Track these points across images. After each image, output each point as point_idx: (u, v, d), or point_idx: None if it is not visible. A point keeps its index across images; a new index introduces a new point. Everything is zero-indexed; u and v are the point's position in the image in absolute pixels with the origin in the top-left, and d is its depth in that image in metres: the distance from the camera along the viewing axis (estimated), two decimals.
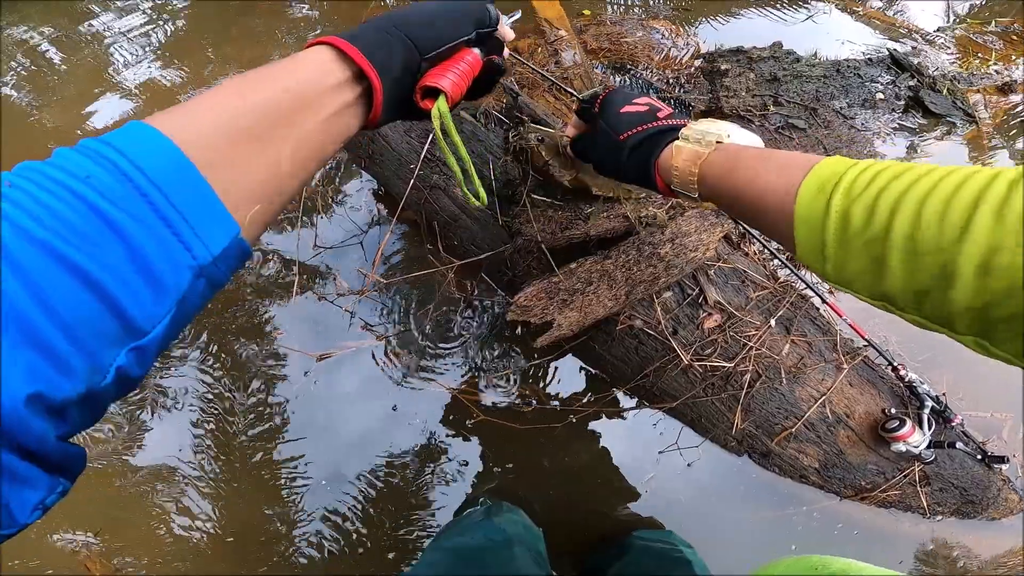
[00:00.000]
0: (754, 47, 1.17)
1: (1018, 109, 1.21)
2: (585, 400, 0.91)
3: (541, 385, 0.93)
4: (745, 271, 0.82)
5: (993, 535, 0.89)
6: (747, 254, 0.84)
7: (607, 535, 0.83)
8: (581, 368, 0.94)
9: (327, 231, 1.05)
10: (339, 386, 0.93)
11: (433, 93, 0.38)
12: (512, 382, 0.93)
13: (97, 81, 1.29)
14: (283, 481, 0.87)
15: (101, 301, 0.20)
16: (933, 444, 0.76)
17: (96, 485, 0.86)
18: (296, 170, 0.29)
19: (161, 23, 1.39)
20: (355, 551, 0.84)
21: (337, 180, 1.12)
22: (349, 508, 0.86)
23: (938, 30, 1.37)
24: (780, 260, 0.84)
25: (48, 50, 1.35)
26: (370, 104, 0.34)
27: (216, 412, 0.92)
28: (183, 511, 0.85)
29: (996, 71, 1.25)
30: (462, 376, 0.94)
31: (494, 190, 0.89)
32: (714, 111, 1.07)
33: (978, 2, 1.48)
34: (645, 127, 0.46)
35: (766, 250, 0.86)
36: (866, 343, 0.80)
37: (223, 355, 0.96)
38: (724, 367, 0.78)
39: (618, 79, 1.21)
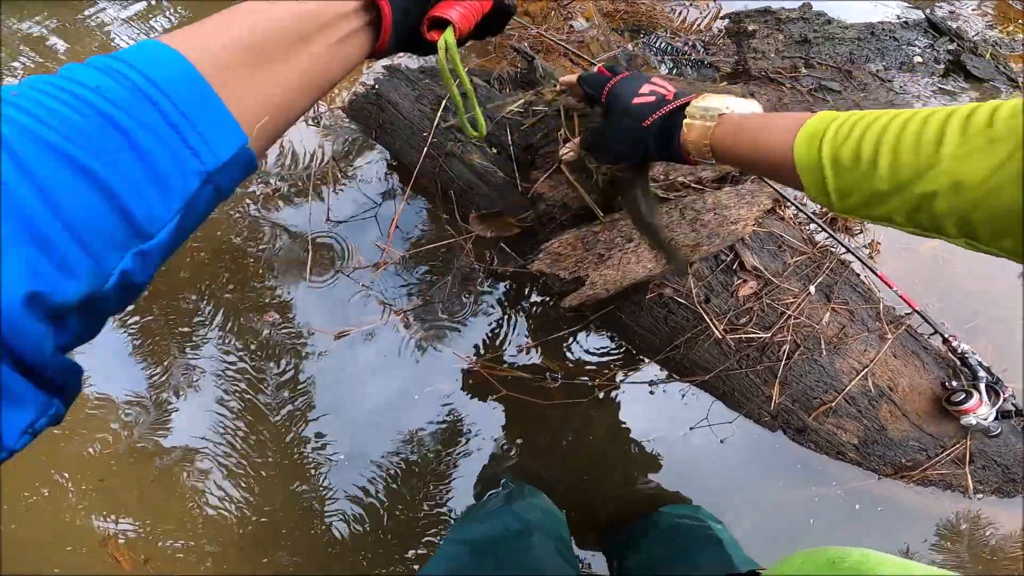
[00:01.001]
0: (782, 8, 1.11)
1: None
2: (611, 375, 0.87)
3: (565, 359, 0.89)
4: (782, 235, 0.77)
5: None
6: (783, 218, 0.80)
7: (634, 511, 0.79)
8: (608, 339, 0.90)
9: (342, 205, 1.01)
10: (360, 363, 0.90)
11: (441, 25, 0.38)
12: (537, 354, 0.89)
13: None
14: (309, 459, 0.85)
15: (107, 201, 0.20)
16: (1000, 415, 0.72)
17: (132, 469, 0.85)
18: (304, 89, 0.30)
19: (162, 9, 1.37)
20: (382, 528, 0.82)
21: (351, 155, 1.09)
22: (374, 485, 0.84)
23: None
24: (818, 224, 0.79)
25: (55, 43, 1.33)
26: (378, 32, 0.35)
27: (239, 392, 0.90)
28: (213, 493, 0.84)
29: None
30: (484, 350, 0.90)
31: (512, 156, 0.85)
32: (741, 73, 1.02)
33: None
34: (662, 112, 0.50)
35: (801, 214, 0.81)
36: (913, 312, 0.75)
37: (244, 335, 0.93)
38: (760, 337, 0.73)
39: (635, 44, 1.16)
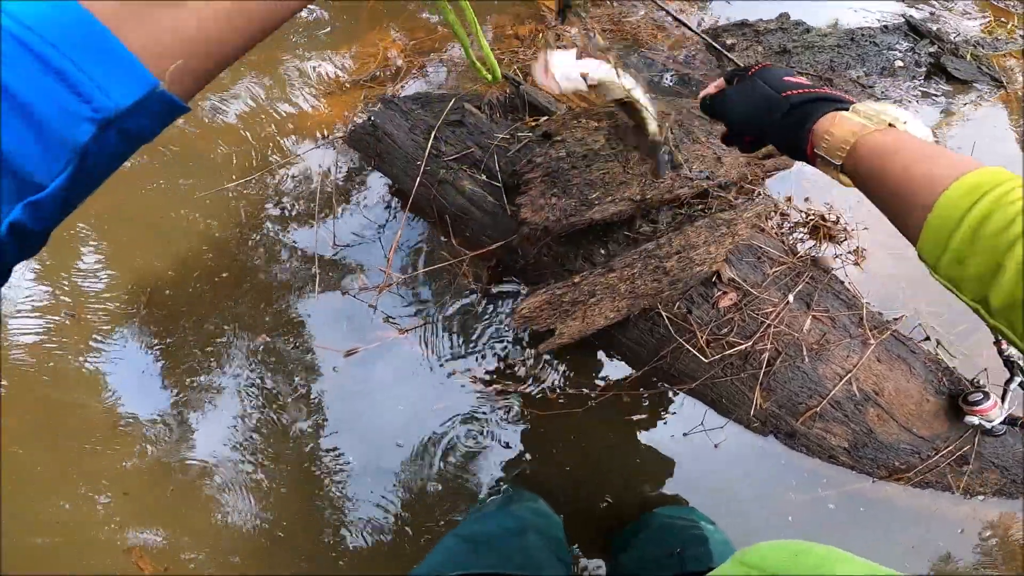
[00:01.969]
0: (760, 20, 1.14)
1: None
2: (603, 385, 0.91)
3: (563, 371, 0.93)
4: (761, 247, 0.80)
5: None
6: (763, 230, 0.82)
7: (631, 514, 0.82)
8: (600, 353, 0.93)
9: (349, 227, 1.07)
10: (369, 379, 0.95)
11: None
12: (532, 367, 0.93)
13: None
14: (325, 473, 0.90)
15: None
16: (1008, 420, 0.75)
17: (156, 483, 0.90)
18: (230, 21, 0.28)
19: None
20: (393, 539, 0.86)
21: (356, 179, 1.15)
22: (386, 497, 0.88)
23: None
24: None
25: None
26: None
27: (257, 408, 0.95)
28: (233, 506, 0.89)
29: (1022, 35, 1.19)
30: (487, 366, 0.94)
31: (500, 180, 0.89)
32: None
33: None
34: (810, 91, 0.48)
35: (784, 224, 0.84)
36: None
37: (260, 353, 0.99)
38: (741, 346, 0.76)
39: (625, 60, 1.20)
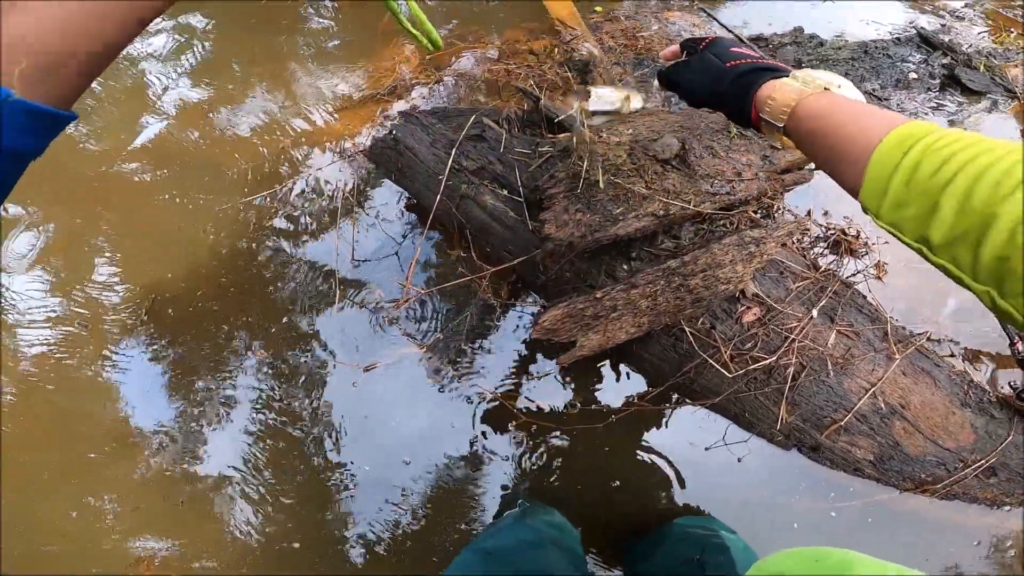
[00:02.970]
0: (774, 33, 1.15)
1: None
2: (625, 400, 0.91)
3: (581, 385, 0.93)
4: (783, 262, 0.80)
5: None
6: (784, 245, 0.83)
7: (651, 525, 0.82)
8: (622, 368, 0.93)
9: (366, 242, 1.08)
10: (385, 393, 0.95)
11: None
12: (553, 382, 0.93)
13: (140, 104, 1.33)
14: (337, 486, 0.90)
15: None
16: None
17: (166, 494, 0.90)
18: (85, 31, 0.27)
19: (190, 45, 1.43)
20: (403, 555, 0.86)
21: (370, 190, 1.16)
22: (396, 512, 0.88)
23: (966, 5, 1.32)
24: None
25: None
26: None
27: (267, 421, 0.95)
28: (244, 518, 0.89)
29: None
30: (504, 379, 0.95)
31: (522, 195, 0.90)
32: None
33: None
34: (753, 61, 0.52)
35: (804, 240, 0.84)
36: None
37: (272, 366, 0.99)
38: (766, 361, 0.76)
39: (637, 73, 1.21)
